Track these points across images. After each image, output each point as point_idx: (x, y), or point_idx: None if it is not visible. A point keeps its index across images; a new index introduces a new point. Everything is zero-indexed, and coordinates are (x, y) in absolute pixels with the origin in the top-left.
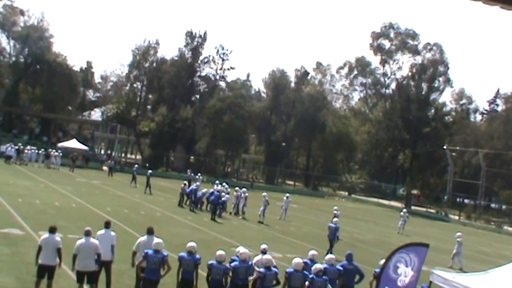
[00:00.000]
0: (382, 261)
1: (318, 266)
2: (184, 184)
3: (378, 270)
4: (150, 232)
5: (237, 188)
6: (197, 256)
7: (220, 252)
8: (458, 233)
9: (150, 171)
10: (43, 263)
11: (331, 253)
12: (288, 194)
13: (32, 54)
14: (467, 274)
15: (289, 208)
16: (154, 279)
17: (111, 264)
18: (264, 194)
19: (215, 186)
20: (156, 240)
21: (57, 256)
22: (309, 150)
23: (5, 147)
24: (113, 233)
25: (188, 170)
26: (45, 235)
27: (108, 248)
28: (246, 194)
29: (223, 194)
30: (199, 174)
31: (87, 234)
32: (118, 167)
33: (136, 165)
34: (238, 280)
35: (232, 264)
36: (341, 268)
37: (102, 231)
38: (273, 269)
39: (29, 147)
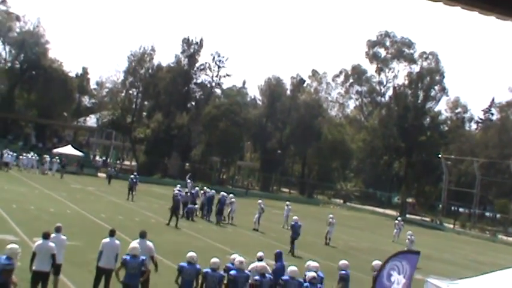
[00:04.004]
0: (375, 262)
1: (312, 273)
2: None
3: (375, 273)
4: (142, 236)
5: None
6: (198, 266)
7: (214, 259)
8: (409, 232)
9: (132, 176)
10: (37, 269)
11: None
12: (288, 202)
13: (27, 60)
14: (460, 282)
15: None
16: (133, 284)
17: (112, 273)
18: (260, 201)
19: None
20: (132, 245)
21: (51, 262)
22: (304, 158)
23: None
24: (117, 242)
25: (189, 175)
26: (39, 241)
27: (113, 256)
28: (233, 200)
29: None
30: (189, 179)
31: (58, 230)
32: (114, 173)
33: (135, 173)
34: None
35: (232, 272)
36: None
37: (107, 240)
38: (268, 275)
39: (11, 152)
